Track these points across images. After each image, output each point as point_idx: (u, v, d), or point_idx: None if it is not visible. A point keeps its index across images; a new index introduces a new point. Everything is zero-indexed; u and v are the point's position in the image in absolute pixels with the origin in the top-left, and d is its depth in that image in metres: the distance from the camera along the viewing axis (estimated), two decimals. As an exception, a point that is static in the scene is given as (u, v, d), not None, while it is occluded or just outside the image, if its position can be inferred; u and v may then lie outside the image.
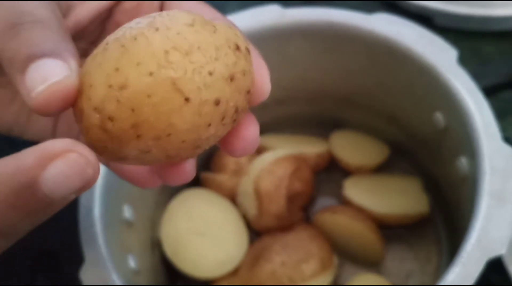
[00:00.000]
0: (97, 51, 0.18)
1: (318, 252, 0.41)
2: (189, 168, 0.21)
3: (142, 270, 0.38)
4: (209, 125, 0.17)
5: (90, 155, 0.15)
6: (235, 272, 0.42)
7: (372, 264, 0.43)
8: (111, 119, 0.17)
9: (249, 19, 0.41)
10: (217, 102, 0.17)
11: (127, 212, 0.38)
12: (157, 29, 0.17)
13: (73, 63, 0.18)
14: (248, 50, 0.19)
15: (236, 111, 0.18)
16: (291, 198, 0.43)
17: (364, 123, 0.47)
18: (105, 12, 0.24)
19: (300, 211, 0.44)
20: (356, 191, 0.44)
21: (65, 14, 0.22)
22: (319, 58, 0.43)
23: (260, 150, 0.46)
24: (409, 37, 0.38)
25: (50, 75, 0.17)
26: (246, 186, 0.43)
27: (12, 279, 0.40)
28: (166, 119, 0.17)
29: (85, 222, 0.34)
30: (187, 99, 0.17)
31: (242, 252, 0.42)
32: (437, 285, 0.30)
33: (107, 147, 0.18)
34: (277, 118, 0.48)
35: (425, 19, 0.54)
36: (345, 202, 0.44)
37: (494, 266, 0.33)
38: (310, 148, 0.47)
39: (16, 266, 0.40)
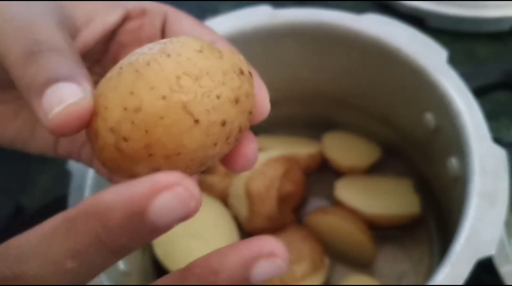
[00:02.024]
0: (112, 74, 0.19)
1: (310, 253, 0.41)
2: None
3: (132, 271, 0.38)
4: (216, 144, 0.19)
5: (194, 189, 0.16)
6: (226, 273, 0.42)
7: (364, 265, 0.43)
8: (125, 139, 0.18)
9: (240, 19, 0.41)
10: (223, 123, 0.19)
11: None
12: (168, 55, 0.18)
13: (87, 86, 0.19)
14: (250, 74, 0.20)
15: (240, 130, 0.20)
16: (282, 199, 0.43)
17: (355, 124, 0.47)
18: (109, 34, 0.25)
19: (291, 212, 0.44)
20: (348, 192, 0.44)
21: (73, 36, 0.23)
22: (310, 58, 0.43)
23: (251, 151, 0.45)
24: (399, 37, 0.38)
25: (66, 97, 0.19)
26: (237, 188, 0.43)
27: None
28: (177, 140, 0.18)
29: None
30: (196, 121, 0.18)
31: (233, 254, 0.42)
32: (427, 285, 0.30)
33: (120, 166, 0.19)
34: (268, 119, 0.47)
35: (418, 20, 0.54)
36: (336, 203, 0.44)
37: (486, 266, 0.33)
38: (302, 149, 0.47)
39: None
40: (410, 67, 0.38)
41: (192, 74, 0.18)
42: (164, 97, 0.18)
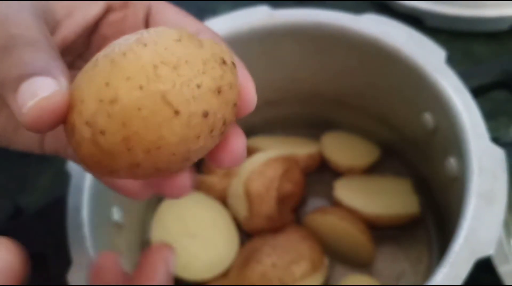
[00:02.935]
0: (88, 66, 0.18)
1: (309, 253, 0.41)
2: (184, 182, 0.22)
3: (131, 272, 0.38)
4: (198, 137, 0.18)
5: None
6: (225, 274, 0.42)
7: (363, 265, 0.43)
8: (102, 132, 0.17)
9: (238, 20, 0.41)
10: (205, 114, 0.18)
11: (116, 214, 0.38)
12: (145, 45, 0.18)
13: (62, 79, 0.19)
14: (233, 64, 0.19)
15: (224, 123, 0.19)
16: (281, 200, 0.43)
17: (354, 124, 0.47)
18: (91, 26, 0.25)
19: (290, 213, 0.44)
20: (347, 192, 0.44)
21: (52, 30, 0.23)
22: (309, 59, 0.43)
23: (250, 152, 0.45)
24: (397, 37, 0.38)
25: (39, 91, 0.18)
26: (236, 188, 0.43)
27: None
28: (156, 132, 0.17)
29: (73, 225, 0.34)
30: (176, 112, 0.17)
31: (232, 254, 0.42)
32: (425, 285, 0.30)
33: (99, 161, 0.18)
34: (267, 119, 0.48)
35: (416, 20, 0.54)
36: (335, 203, 0.44)
37: (485, 266, 0.33)
38: (301, 149, 0.47)
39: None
40: (409, 67, 0.38)
41: (170, 62, 0.17)
42: (141, 87, 0.17)
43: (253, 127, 0.48)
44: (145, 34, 0.18)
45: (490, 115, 0.48)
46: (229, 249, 0.42)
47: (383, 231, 0.44)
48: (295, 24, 0.41)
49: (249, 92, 0.20)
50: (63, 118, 0.18)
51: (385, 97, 0.43)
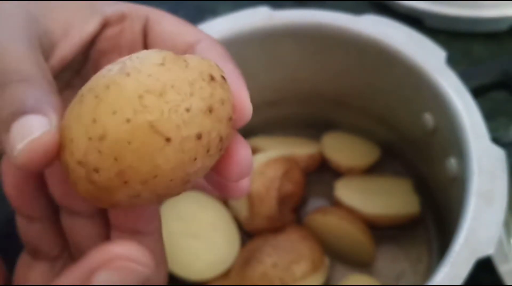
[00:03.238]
0: (74, 103, 0.18)
1: (309, 253, 0.41)
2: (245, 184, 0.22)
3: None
4: (195, 159, 0.18)
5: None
6: (226, 274, 0.42)
7: (363, 265, 0.43)
8: (96, 170, 0.17)
9: (238, 21, 0.41)
10: (199, 136, 0.17)
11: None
12: (128, 74, 0.17)
13: (53, 117, 0.18)
14: (223, 78, 0.19)
15: (221, 140, 0.18)
16: (282, 200, 0.43)
17: (355, 124, 0.47)
18: (88, 43, 0.24)
19: (291, 213, 0.44)
20: (347, 192, 0.44)
21: (49, 52, 0.23)
22: (309, 59, 0.43)
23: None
24: (397, 38, 0.38)
25: (29, 132, 0.17)
26: (237, 188, 0.43)
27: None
28: (150, 162, 0.17)
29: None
30: (167, 139, 0.17)
31: (233, 254, 0.42)
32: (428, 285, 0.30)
33: (98, 197, 0.18)
34: (268, 120, 0.48)
35: (416, 20, 0.54)
36: (336, 203, 0.44)
37: (485, 265, 0.34)
38: (301, 149, 0.47)
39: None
40: (409, 68, 0.38)
41: (155, 90, 0.17)
42: (128, 120, 0.17)
43: (253, 127, 0.48)
44: (127, 62, 0.18)
45: (489, 115, 0.49)
46: (230, 249, 0.42)
47: (383, 231, 0.44)
48: (295, 25, 0.41)
49: (243, 103, 0.20)
50: (55, 157, 0.18)
51: (385, 97, 0.43)
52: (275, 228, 0.43)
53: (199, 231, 0.42)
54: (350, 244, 0.42)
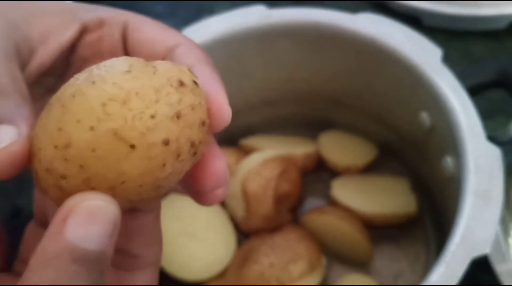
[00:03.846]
0: (43, 112, 0.18)
1: (306, 253, 0.41)
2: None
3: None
4: (164, 165, 0.18)
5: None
6: (223, 273, 0.42)
7: (360, 264, 0.43)
8: (63, 177, 0.17)
9: (235, 20, 0.41)
10: (166, 142, 0.17)
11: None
12: (93, 83, 0.17)
13: (24, 127, 0.19)
14: (195, 83, 0.19)
15: (193, 145, 0.18)
16: (279, 199, 0.43)
17: (352, 123, 0.47)
18: (68, 49, 0.24)
19: (288, 212, 0.44)
20: (344, 191, 0.44)
21: (28, 57, 0.23)
22: (306, 58, 0.43)
23: (248, 151, 0.46)
24: (394, 36, 0.38)
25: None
26: (233, 188, 0.43)
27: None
28: (115, 169, 0.17)
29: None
30: (132, 146, 0.17)
31: (230, 254, 0.42)
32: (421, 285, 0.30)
33: None
34: (265, 119, 0.48)
35: (414, 19, 0.54)
36: (333, 203, 0.44)
37: (482, 265, 0.33)
38: (298, 148, 0.47)
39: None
40: (405, 66, 0.38)
41: (119, 98, 0.17)
42: (92, 128, 0.17)
43: (251, 126, 0.48)
44: (94, 70, 0.18)
45: (487, 114, 0.48)
46: (226, 249, 0.42)
47: (380, 231, 0.44)
48: (291, 24, 0.41)
49: (221, 107, 0.20)
50: (25, 166, 0.18)
51: (382, 97, 0.43)
52: (272, 228, 0.43)
53: (195, 231, 0.42)
54: (347, 243, 0.42)
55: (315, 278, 0.41)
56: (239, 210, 0.43)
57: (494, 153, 0.33)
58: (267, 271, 0.40)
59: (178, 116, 0.18)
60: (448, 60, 0.37)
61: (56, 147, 0.17)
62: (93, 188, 0.17)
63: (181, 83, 0.18)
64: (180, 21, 0.61)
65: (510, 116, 0.47)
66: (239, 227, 0.43)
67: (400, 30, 0.39)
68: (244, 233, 0.44)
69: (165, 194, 0.20)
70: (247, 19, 0.41)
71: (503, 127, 0.45)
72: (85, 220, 0.16)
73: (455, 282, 0.30)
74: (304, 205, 0.47)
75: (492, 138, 0.35)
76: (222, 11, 0.42)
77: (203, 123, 0.19)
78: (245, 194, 0.42)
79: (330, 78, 0.44)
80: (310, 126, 0.48)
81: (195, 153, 0.19)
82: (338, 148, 0.47)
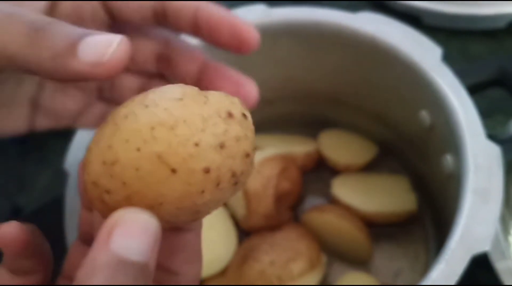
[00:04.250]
0: (99, 128, 0.19)
1: (307, 251, 0.41)
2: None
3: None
4: (203, 191, 0.18)
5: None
6: (223, 272, 0.42)
7: (360, 262, 0.43)
8: (107, 192, 0.18)
9: (235, 19, 0.41)
10: (206, 170, 0.18)
11: (114, 212, 0.38)
12: (146, 106, 0.18)
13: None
14: (244, 116, 0.19)
15: (234, 175, 0.19)
16: (279, 198, 0.43)
17: (352, 122, 0.47)
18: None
19: (288, 211, 0.44)
20: (344, 190, 0.44)
21: None
22: (306, 57, 0.43)
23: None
24: (394, 35, 0.38)
25: (110, 40, 0.19)
26: (234, 186, 0.43)
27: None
28: (155, 190, 0.18)
29: (70, 224, 0.34)
30: (173, 170, 0.18)
31: (230, 252, 0.42)
32: (421, 285, 0.30)
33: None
34: (265, 118, 0.48)
35: (414, 18, 0.54)
36: (333, 201, 0.44)
37: (482, 262, 0.34)
38: (298, 147, 0.47)
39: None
40: (405, 65, 0.38)
41: (167, 124, 0.18)
42: (138, 149, 0.18)
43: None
44: (150, 94, 0.19)
45: (486, 113, 0.48)
46: (227, 247, 0.42)
47: (380, 229, 0.44)
48: (291, 23, 0.41)
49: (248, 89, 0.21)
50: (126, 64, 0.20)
51: (382, 95, 0.43)
52: (272, 226, 0.43)
53: (196, 229, 0.42)
54: (348, 242, 0.42)
55: (316, 276, 0.41)
56: (240, 209, 0.43)
57: (493, 152, 0.33)
58: (268, 269, 0.40)
59: (221, 146, 0.18)
60: (447, 59, 0.37)
61: (104, 163, 0.18)
62: (133, 206, 0.18)
63: (230, 115, 0.19)
64: (180, 20, 0.61)
65: (509, 115, 0.47)
66: (239, 226, 0.44)
67: (400, 29, 0.39)
68: (245, 232, 0.44)
69: (201, 218, 0.20)
70: (247, 17, 0.41)
71: (502, 125, 0.45)
72: (129, 232, 0.17)
73: (455, 279, 0.30)
74: (304, 203, 0.47)
75: (491, 136, 0.35)
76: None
77: (247, 155, 0.19)
78: (245, 192, 0.42)
79: (330, 77, 0.44)
80: (310, 125, 0.48)
81: (236, 183, 0.19)
82: (338, 147, 0.47)
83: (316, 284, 0.41)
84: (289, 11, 0.41)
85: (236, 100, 0.20)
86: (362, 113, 0.46)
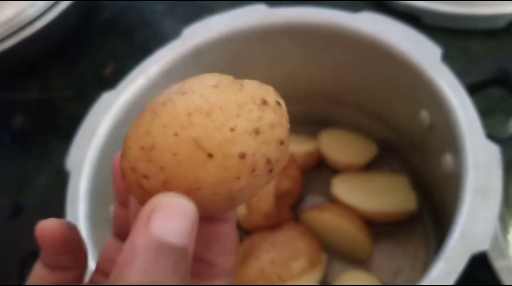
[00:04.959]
0: (138, 116, 0.20)
1: (307, 250, 0.41)
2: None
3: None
4: (238, 177, 0.18)
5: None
6: (224, 270, 0.42)
7: (360, 261, 0.43)
8: (145, 177, 0.18)
9: (235, 19, 0.41)
10: (242, 156, 0.18)
11: (115, 211, 0.38)
12: (183, 93, 0.19)
13: None
14: (279, 103, 0.20)
15: (269, 162, 0.19)
16: (279, 197, 0.43)
17: (352, 121, 0.47)
18: None
19: (288, 210, 0.45)
20: (345, 189, 0.44)
21: None
22: (306, 56, 0.43)
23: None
24: (394, 35, 0.38)
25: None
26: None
27: (0, 280, 0.40)
28: (192, 175, 0.18)
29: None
30: (210, 155, 0.18)
31: (231, 251, 0.42)
32: (420, 285, 0.30)
33: (147, 201, 0.19)
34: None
35: (414, 18, 0.54)
36: (333, 200, 0.44)
37: (481, 261, 0.34)
38: (299, 146, 0.47)
39: (4, 268, 0.40)
40: (405, 65, 0.38)
41: (203, 109, 0.18)
42: (175, 134, 0.18)
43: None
44: (187, 83, 0.19)
45: (487, 112, 0.49)
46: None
47: (380, 227, 0.44)
48: (291, 22, 0.41)
49: None
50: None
51: (382, 95, 0.43)
52: (272, 225, 0.43)
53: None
54: (348, 240, 0.43)
55: (316, 275, 0.41)
56: (240, 208, 0.43)
57: (492, 151, 0.33)
58: (268, 268, 0.40)
59: (256, 132, 0.19)
60: (447, 58, 0.38)
61: (142, 148, 0.18)
62: (170, 190, 0.18)
63: (264, 102, 0.19)
64: (180, 20, 0.61)
65: (509, 114, 0.47)
66: (240, 224, 0.44)
67: (399, 29, 0.39)
68: (245, 230, 0.44)
69: (236, 207, 0.20)
70: (247, 18, 0.41)
71: (502, 124, 0.45)
72: (169, 216, 0.17)
73: (454, 277, 0.30)
74: (304, 202, 0.47)
75: (491, 135, 0.35)
76: (223, 10, 0.42)
77: (281, 142, 0.19)
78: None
79: (330, 76, 0.44)
80: (311, 124, 0.48)
81: (270, 171, 0.19)
82: (338, 146, 0.47)
83: (316, 283, 0.41)
84: (289, 11, 0.41)
85: (270, 88, 0.20)
86: (362, 112, 0.46)
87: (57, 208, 0.36)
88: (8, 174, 0.53)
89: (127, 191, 0.20)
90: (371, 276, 0.42)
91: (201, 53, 0.41)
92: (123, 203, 0.23)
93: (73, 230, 0.21)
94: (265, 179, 0.19)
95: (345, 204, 0.43)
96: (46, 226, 0.21)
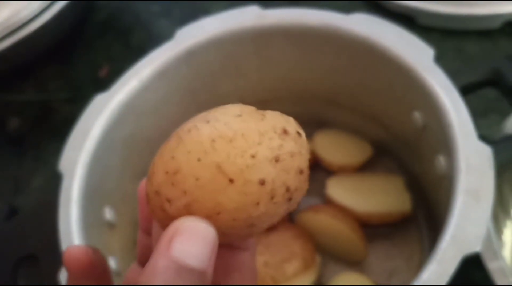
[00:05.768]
0: (164, 143, 0.20)
1: (301, 252, 0.41)
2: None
3: (124, 272, 0.39)
4: (258, 203, 0.19)
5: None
6: (218, 272, 0.42)
7: (355, 262, 0.43)
8: (168, 200, 0.19)
9: (229, 20, 0.41)
10: (262, 182, 0.19)
11: (108, 214, 0.38)
12: (208, 122, 0.20)
13: None
14: (299, 134, 0.20)
15: (288, 190, 0.19)
16: (273, 198, 0.43)
17: (346, 122, 0.47)
18: None
19: (283, 211, 0.44)
20: (339, 190, 0.44)
21: None
22: (300, 58, 0.43)
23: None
24: (386, 36, 0.38)
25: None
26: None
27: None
28: (213, 199, 0.19)
29: (64, 224, 0.34)
30: (231, 180, 0.19)
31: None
32: (413, 285, 0.30)
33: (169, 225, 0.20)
34: (260, 119, 0.48)
35: (408, 18, 0.54)
36: (328, 201, 0.44)
37: (475, 263, 0.34)
38: (293, 148, 0.47)
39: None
40: (398, 66, 0.38)
41: (226, 136, 0.19)
42: (199, 159, 0.19)
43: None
44: (211, 112, 0.20)
45: (481, 113, 0.49)
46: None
47: (375, 229, 0.44)
48: (285, 24, 0.41)
49: None
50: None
51: (376, 96, 0.43)
52: (266, 226, 0.43)
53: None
54: (342, 242, 0.43)
55: (310, 277, 0.41)
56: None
57: (485, 152, 0.33)
58: (262, 270, 0.40)
59: (276, 160, 0.19)
60: (442, 59, 0.38)
61: (166, 172, 0.19)
62: (192, 214, 0.19)
63: (285, 131, 0.20)
64: (176, 21, 0.61)
65: (504, 115, 0.47)
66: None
67: (392, 30, 0.39)
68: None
69: (255, 234, 0.21)
70: (241, 19, 0.41)
71: (497, 125, 0.45)
72: (189, 239, 0.18)
73: (446, 279, 0.30)
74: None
75: (486, 136, 0.35)
76: (218, 11, 0.42)
77: (301, 172, 0.20)
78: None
79: (324, 77, 0.44)
80: (305, 125, 0.47)
81: (290, 199, 0.20)
82: (332, 147, 0.47)
83: (311, 284, 0.41)
84: (283, 12, 0.41)
85: (291, 119, 0.21)
86: (357, 113, 0.46)
87: (51, 210, 0.36)
88: (2, 176, 0.53)
89: (151, 216, 0.21)
90: (365, 277, 0.42)
91: (194, 54, 0.41)
92: (147, 231, 0.23)
93: (98, 256, 0.22)
94: (284, 207, 0.20)
95: (339, 206, 0.43)
96: (73, 251, 0.21)
